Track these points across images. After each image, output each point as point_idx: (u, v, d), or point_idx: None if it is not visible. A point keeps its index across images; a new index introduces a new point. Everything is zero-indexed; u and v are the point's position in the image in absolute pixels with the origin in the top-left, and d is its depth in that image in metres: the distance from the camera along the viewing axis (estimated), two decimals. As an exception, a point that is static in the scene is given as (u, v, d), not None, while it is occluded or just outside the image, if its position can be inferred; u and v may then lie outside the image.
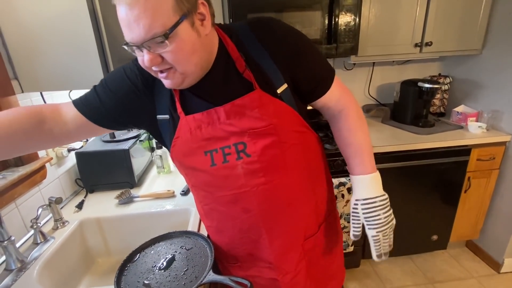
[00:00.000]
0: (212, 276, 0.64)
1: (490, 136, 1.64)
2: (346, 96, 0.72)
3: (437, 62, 2.05)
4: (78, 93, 1.20)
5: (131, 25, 0.49)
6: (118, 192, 1.09)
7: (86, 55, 0.87)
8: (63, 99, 1.12)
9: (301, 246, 0.73)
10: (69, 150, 1.11)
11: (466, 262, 1.91)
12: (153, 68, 0.54)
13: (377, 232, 0.69)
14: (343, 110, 0.72)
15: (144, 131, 1.32)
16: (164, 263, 0.72)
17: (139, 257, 0.75)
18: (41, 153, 0.99)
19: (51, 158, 1.01)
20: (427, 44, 1.64)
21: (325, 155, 0.80)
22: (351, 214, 0.73)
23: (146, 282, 0.67)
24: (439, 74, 2.03)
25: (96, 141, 1.20)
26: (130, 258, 0.74)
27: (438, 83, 1.75)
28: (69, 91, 1.13)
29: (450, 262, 1.91)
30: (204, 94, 0.63)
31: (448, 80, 1.95)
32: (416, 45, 1.65)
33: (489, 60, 1.75)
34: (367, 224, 0.70)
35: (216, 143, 0.63)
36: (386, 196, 0.70)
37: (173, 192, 1.10)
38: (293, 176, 0.68)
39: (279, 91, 0.63)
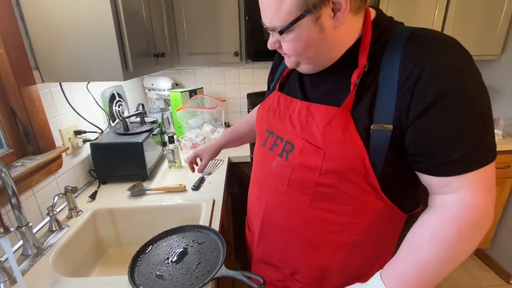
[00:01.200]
0: (225, 271, 0.64)
1: (506, 143, 1.61)
2: (474, 198, 0.46)
3: (453, 66, 2.01)
4: (95, 85, 1.23)
5: (263, 11, 0.52)
6: (130, 184, 1.10)
7: (105, 48, 0.88)
8: (80, 90, 1.14)
9: (282, 277, 0.69)
10: (84, 141, 1.12)
11: (476, 271, 1.87)
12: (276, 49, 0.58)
13: None
14: (452, 209, 0.48)
15: (157, 125, 1.33)
16: (176, 256, 0.72)
17: (151, 248, 0.76)
18: (58, 143, 1.01)
19: (67, 148, 1.03)
20: (444, 48, 1.61)
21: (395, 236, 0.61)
22: None
23: (158, 273, 0.68)
24: (455, 79, 1.99)
25: (110, 133, 1.21)
26: (143, 250, 0.75)
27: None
28: (87, 82, 1.15)
29: (458, 270, 1.88)
30: (305, 81, 0.63)
31: (464, 85, 1.91)
32: (433, 48, 1.63)
33: (508, 66, 1.71)
34: None
35: (278, 129, 0.64)
36: None
37: (185, 187, 1.11)
38: (311, 213, 0.59)
39: (373, 127, 0.49)
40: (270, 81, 0.79)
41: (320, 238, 0.60)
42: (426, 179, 0.50)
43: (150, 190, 1.10)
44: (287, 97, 0.64)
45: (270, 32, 0.53)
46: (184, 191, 1.10)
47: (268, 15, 0.50)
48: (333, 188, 0.55)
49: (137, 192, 1.07)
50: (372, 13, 0.53)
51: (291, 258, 0.66)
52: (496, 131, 1.66)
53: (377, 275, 0.53)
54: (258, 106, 0.86)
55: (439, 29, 1.59)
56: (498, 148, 1.67)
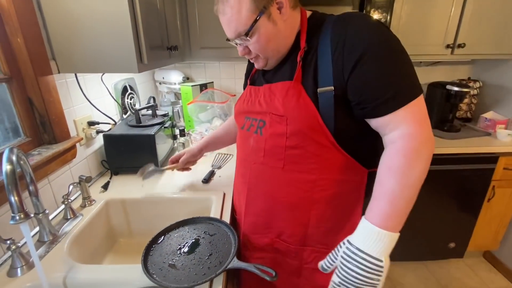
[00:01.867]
0: (236, 263, 0.65)
1: (519, 145, 1.58)
2: (411, 128, 0.55)
3: (467, 65, 1.98)
4: (108, 77, 1.24)
5: (225, 27, 0.66)
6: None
7: (121, 40, 0.89)
8: (94, 82, 1.15)
9: (270, 240, 0.79)
10: (98, 132, 1.14)
11: (483, 273, 1.86)
12: (245, 56, 0.71)
13: None
14: (396, 143, 0.56)
15: (168, 118, 1.34)
16: (188, 247, 0.73)
17: (164, 239, 0.77)
18: (72, 133, 1.03)
19: (81, 139, 1.05)
20: (459, 46, 1.58)
21: (360, 189, 0.70)
22: (334, 250, 0.59)
23: (171, 263, 0.69)
24: (469, 78, 1.96)
25: (122, 125, 1.23)
26: (155, 240, 0.76)
27: (468, 87, 1.69)
28: (101, 74, 1.16)
29: (465, 271, 1.87)
30: (268, 72, 0.75)
31: (478, 84, 1.88)
32: (447, 46, 1.60)
33: (525, 66, 1.67)
34: (338, 274, 0.56)
35: (251, 113, 0.75)
36: (383, 267, 0.52)
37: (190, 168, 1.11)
38: (286, 176, 0.70)
39: (319, 90, 0.61)
40: (244, 85, 0.92)
41: (296, 197, 0.71)
42: (374, 123, 0.60)
43: (159, 168, 1.09)
44: (255, 87, 0.76)
45: (237, 43, 0.67)
46: (195, 183, 1.11)
47: (232, 28, 0.64)
48: (299, 149, 0.66)
49: (148, 175, 1.02)
50: (308, 12, 0.69)
51: (275, 222, 0.76)
52: (510, 131, 1.63)
53: (362, 219, 0.57)
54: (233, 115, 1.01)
55: (454, 27, 1.56)
56: (509, 149, 1.62)
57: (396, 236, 0.53)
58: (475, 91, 1.89)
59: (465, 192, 1.66)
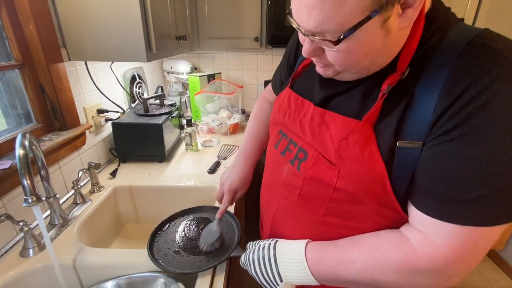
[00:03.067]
0: (240, 251, 0.66)
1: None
2: (445, 251, 0.39)
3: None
4: (117, 66, 1.25)
5: (301, 8, 0.37)
6: (149, 164, 1.12)
7: (130, 29, 0.89)
8: (103, 70, 1.16)
9: None
10: (107, 120, 1.16)
11: (487, 272, 1.85)
12: (313, 59, 0.47)
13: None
14: (412, 243, 0.42)
15: (176, 108, 1.35)
16: (193, 234, 0.75)
17: (169, 226, 0.79)
18: (82, 121, 1.04)
19: (91, 126, 1.07)
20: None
21: None
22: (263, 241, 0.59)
23: (176, 249, 0.70)
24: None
25: (130, 113, 1.24)
26: (161, 226, 0.78)
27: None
28: (111, 62, 1.18)
29: (469, 269, 1.86)
30: (325, 84, 0.51)
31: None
32: (462, 40, 1.55)
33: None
34: (246, 255, 0.59)
35: (291, 132, 0.57)
36: (278, 286, 0.52)
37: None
38: (323, 228, 0.54)
39: (399, 144, 0.41)
40: (278, 80, 0.74)
41: None
42: (412, 211, 0.43)
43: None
44: (298, 97, 0.56)
45: (310, 37, 0.40)
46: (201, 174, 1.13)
47: (316, 15, 0.36)
48: (348, 206, 0.49)
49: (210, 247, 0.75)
50: (428, 3, 0.41)
51: None
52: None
53: (303, 244, 0.52)
54: (265, 90, 0.85)
55: (471, 20, 1.51)
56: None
57: (313, 283, 0.50)
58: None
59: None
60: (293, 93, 0.58)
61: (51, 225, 0.80)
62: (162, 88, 1.72)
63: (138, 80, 1.46)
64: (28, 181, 0.59)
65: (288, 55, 0.68)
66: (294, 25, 0.41)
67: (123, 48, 0.92)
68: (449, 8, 0.43)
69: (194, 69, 1.84)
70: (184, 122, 1.44)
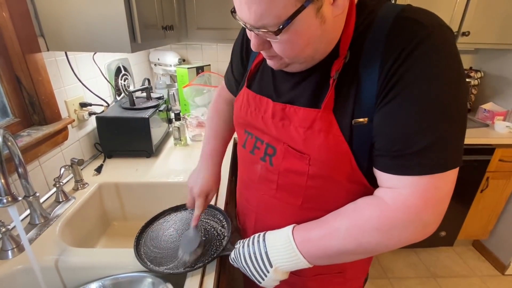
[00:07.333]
0: (230, 249, 0.65)
1: (517, 137, 1.58)
2: (416, 201, 0.42)
3: (470, 54, 1.94)
4: (101, 57, 1.20)
5: (241, 5, 0.40)
6: (135, 160, 1.09)
7: (113, 17, 0.84)
8: (85, 62, 1.11)
9: None
10: (90, 114, 1.11)
11: (471, 261, 1.91)
12: (262, 52, 0.49)
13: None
14: (384, 202, 0.45)
15: (163, 102, 1.31)
16: (182, 233, 0.73)
17: (157, 223, 0.76)
18: (63, 115, 0.99)
19: (73, 120, 1.02)
20: (464, 34, 1.55)
21: None
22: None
23: (164, 248, 0.68)
24: (470, 68, 1.94)
25: (116, 107, 1.20)
26: (148, 224, 0.76)
27: (469, 77, 1.67)
28: (93, 53, 1.12)
29: (454, 259, 1.92)
30: (279, 78, 0.55)
31: (479, 74, 1.86)
32: (451, 34, 1.56)
33: (528, 57, 1.65)
34: (236, 251, 0.60)
35: (255, 130, 0.59)
36: (269, 272, 0.53)
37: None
38: (303, 214, 0.57)
39: (354, 122, 0.45)
40: (232, 79, 0.73)
41: None
42: (378, 173, 0.47)
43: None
44: (256, 95, 0.57)
45: (255, 31, 0.42)
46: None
47: (255, 12, 0.39)
48: (323, 189, 0.53)
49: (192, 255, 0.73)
50: None
51: None
52: (508, 123, 1.62)
53: (290, 229, 0.54)
54: (219, 89, 0.82)
55: (460, 14, 1.51)
56: (509, 141, 1.62)
57: (305, 265, 0.51)
58: (476, 82, 1.86)
59: (459, 182, 1.63)
60: (250, 92, 0.59)
61: (31, 225, 0.76)
62: (149, 80, 1.67)
63: (123, 72, 1.40)
64: (2, 180, 0.55)
65: (239, 54, 0.68)
66: (241, 22, 0.43)
67: (106, 38, 0.87)
68: None
69: (182, 60, 1.79)
70: (172, 115, 1.40)
